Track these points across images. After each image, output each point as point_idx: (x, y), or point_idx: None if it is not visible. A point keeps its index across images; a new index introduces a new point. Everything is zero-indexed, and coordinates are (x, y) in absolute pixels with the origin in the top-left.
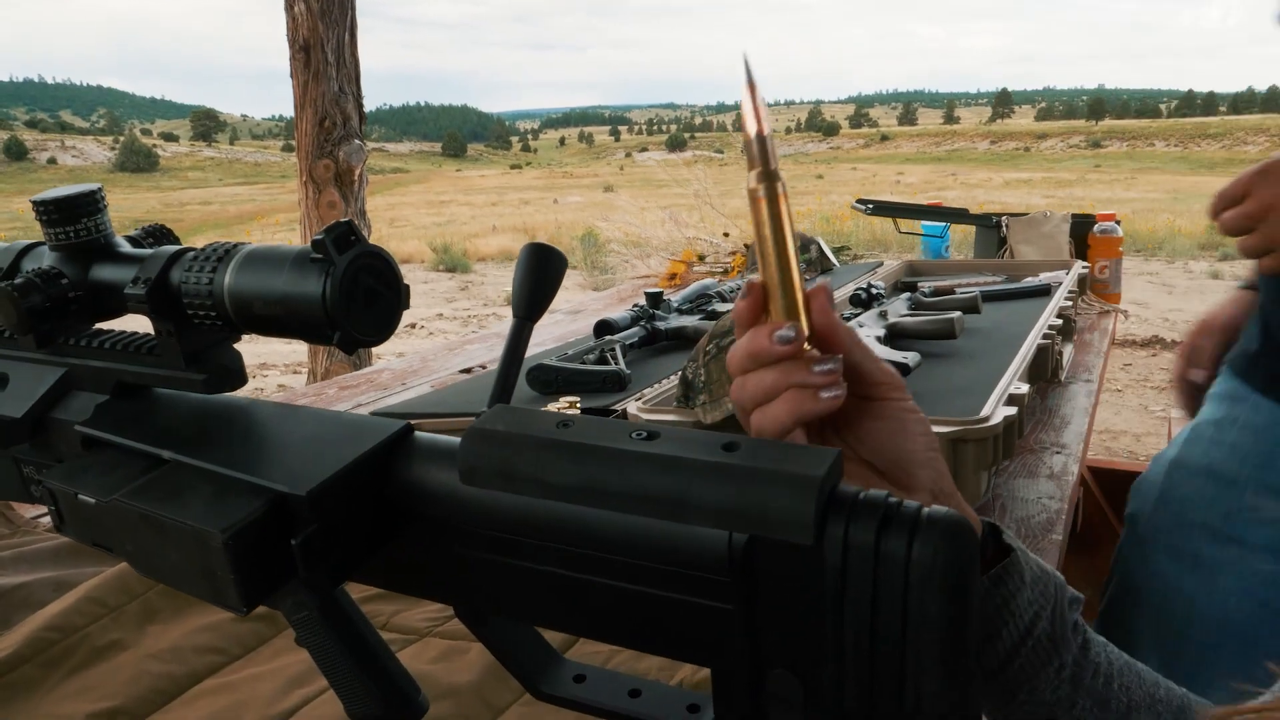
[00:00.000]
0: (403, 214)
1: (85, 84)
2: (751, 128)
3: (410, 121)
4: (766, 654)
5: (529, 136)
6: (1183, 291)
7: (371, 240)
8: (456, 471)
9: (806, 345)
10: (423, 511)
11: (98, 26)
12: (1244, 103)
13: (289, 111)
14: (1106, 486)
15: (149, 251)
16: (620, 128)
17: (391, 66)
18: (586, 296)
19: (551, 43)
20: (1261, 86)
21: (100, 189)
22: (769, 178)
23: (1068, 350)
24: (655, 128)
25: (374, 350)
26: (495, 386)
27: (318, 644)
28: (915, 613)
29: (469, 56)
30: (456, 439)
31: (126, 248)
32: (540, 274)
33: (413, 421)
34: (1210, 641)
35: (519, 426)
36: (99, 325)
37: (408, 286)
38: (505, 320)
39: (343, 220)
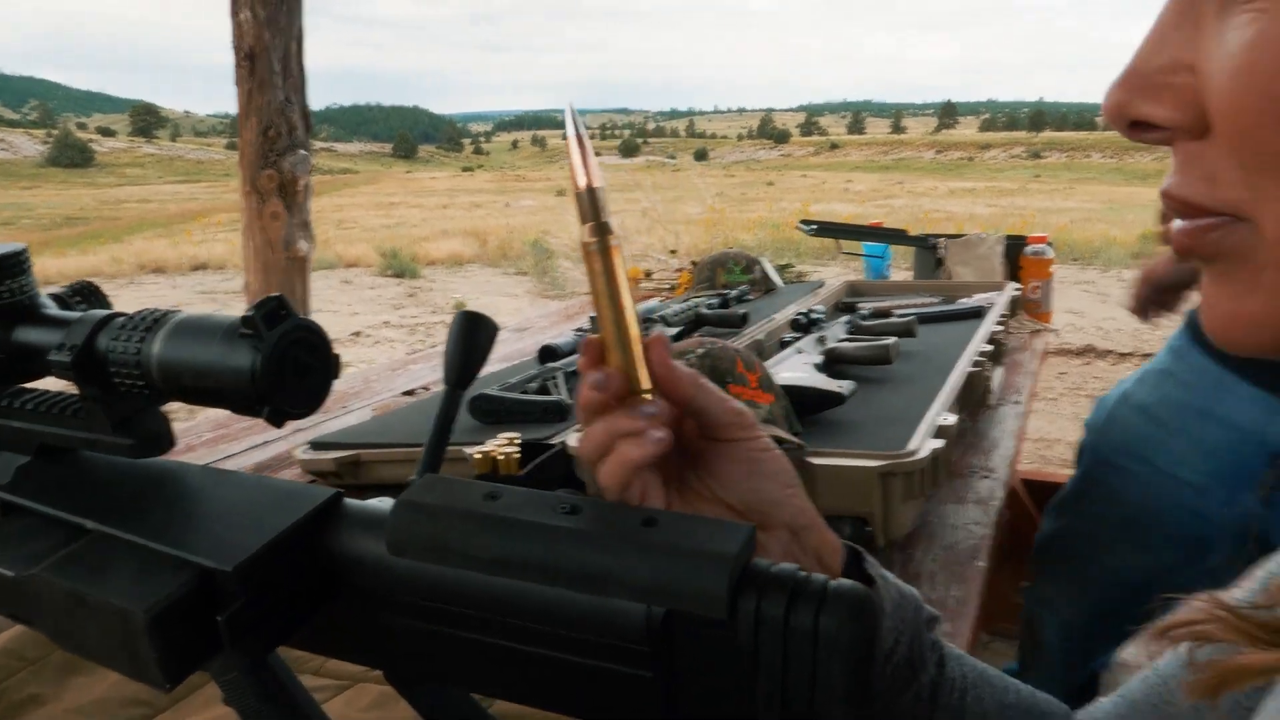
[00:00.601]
0: (351, 215)
1: (16, 75)
2: (581, 181)
3: (360, 121)
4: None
5: (481, 139)
6: (1116, 300)
7: (318, 243)
8: (384, 541)
9: (649, 395)
10: (351, 580)
11: (30, 14)
12: None
13: (234, 109)
14: (1038, 498)
15: (75, 315)
16: None
17: (342, 66)
18: (534, 312)
19: (507, 45)
20: None
21: (25, 250)
22: (601, 231)
23: (998, 374)
24: (609, 132)
25: None
26: (425, 455)
27: (245, 705)
28: (822, 680)
29: (422, 57)
30: (386, 505)
31: (52, 309)
32: (470, 342)
33: (356, 452)
34: (1122, 529)
35: (447, 499)
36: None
37: (338, 357)
38: None
39: (273, 295)
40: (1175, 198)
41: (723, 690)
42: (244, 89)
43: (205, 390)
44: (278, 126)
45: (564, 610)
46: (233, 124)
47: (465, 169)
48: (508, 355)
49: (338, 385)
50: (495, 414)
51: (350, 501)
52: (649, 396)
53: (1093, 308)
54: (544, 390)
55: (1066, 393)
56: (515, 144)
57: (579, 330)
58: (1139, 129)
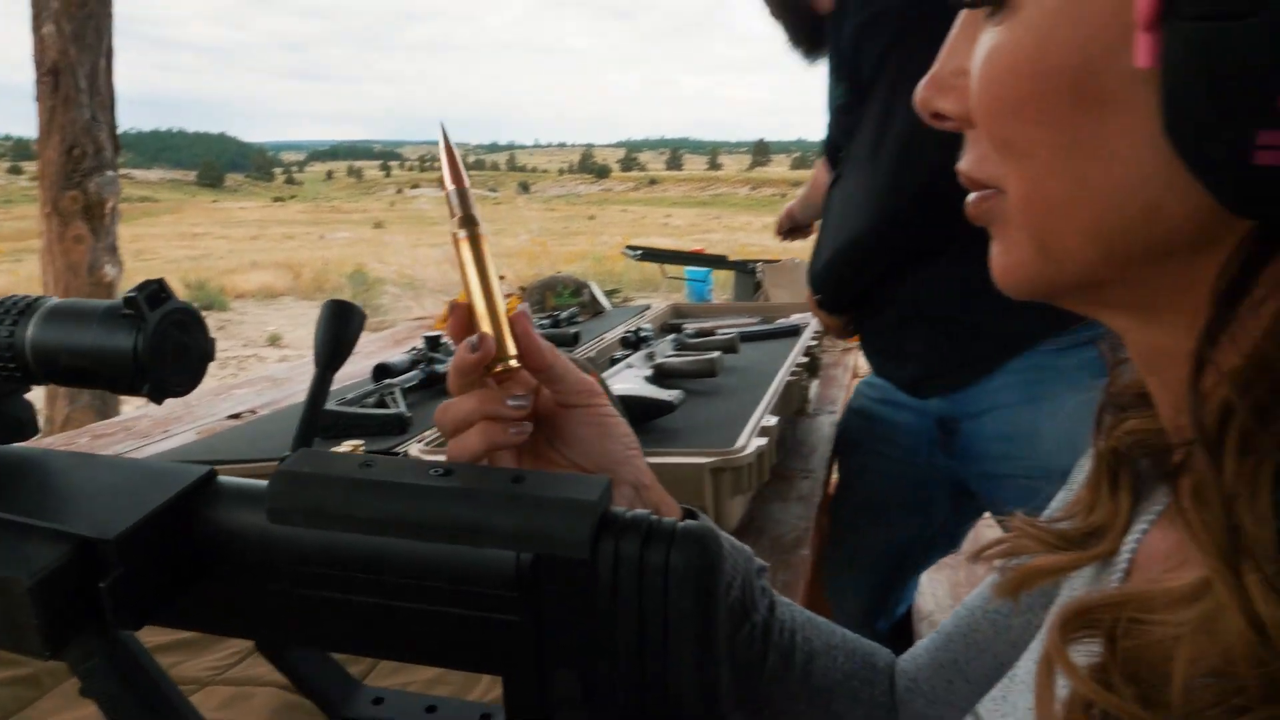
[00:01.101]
0: (150, 246)
1: None
2: (450, 184)
3: (162, 147)
4: (551, 658)
5: (294, 169)
6: None
7: (120, 274)
8: (263, 512)
9: (514, 363)
10: (229, 552)
11: None
12: None
13: (14, 130)
14: None
15: None
16: (391, 163)
17: (142, 89)
18: (361, 338)
19: (320, 73)
20: None
21: None
22: (469, 223)
23: (814, 385)
24: (428, 164)
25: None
26: (298, 431)
27: (108, 693)
28: (674, 612)
29: (229, 83)
30: (258, 481)
31: None
32: (340, 328)
33: None
34: (871, 513)
35: (324, 468)
36: None
37: (214, 339)
38: (269, 363)
39: (154, 279)
40: (963, 173)
41: (586, 630)
42: (45, 106)
43: (83, 371)
44: (83, 146)
45: (438, 564)
46: (16, 145)
47: (277, 199)
48: (338, 378)
49: (156, 411)
50: (336, 428)
51: (224, 478)
52: (520, 392)
53: None
54: (382, 404)
55: None
56: (330, 174)
57: (413, 349)
58: (938, 119)
